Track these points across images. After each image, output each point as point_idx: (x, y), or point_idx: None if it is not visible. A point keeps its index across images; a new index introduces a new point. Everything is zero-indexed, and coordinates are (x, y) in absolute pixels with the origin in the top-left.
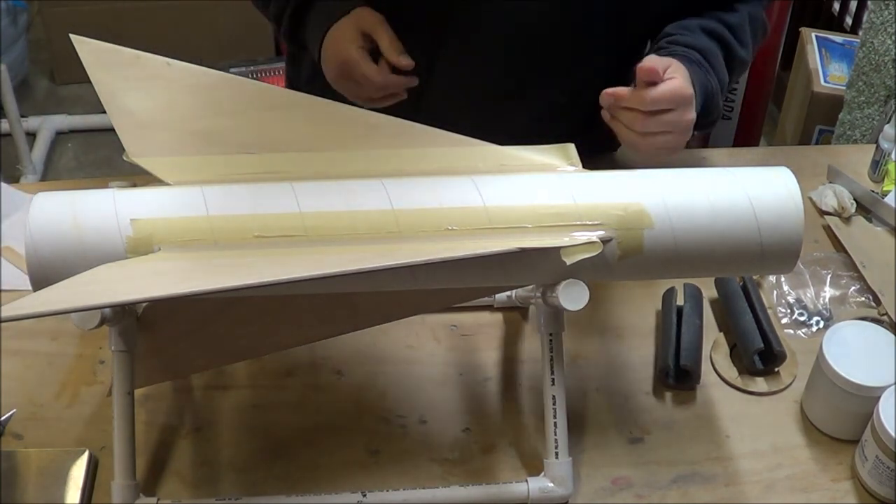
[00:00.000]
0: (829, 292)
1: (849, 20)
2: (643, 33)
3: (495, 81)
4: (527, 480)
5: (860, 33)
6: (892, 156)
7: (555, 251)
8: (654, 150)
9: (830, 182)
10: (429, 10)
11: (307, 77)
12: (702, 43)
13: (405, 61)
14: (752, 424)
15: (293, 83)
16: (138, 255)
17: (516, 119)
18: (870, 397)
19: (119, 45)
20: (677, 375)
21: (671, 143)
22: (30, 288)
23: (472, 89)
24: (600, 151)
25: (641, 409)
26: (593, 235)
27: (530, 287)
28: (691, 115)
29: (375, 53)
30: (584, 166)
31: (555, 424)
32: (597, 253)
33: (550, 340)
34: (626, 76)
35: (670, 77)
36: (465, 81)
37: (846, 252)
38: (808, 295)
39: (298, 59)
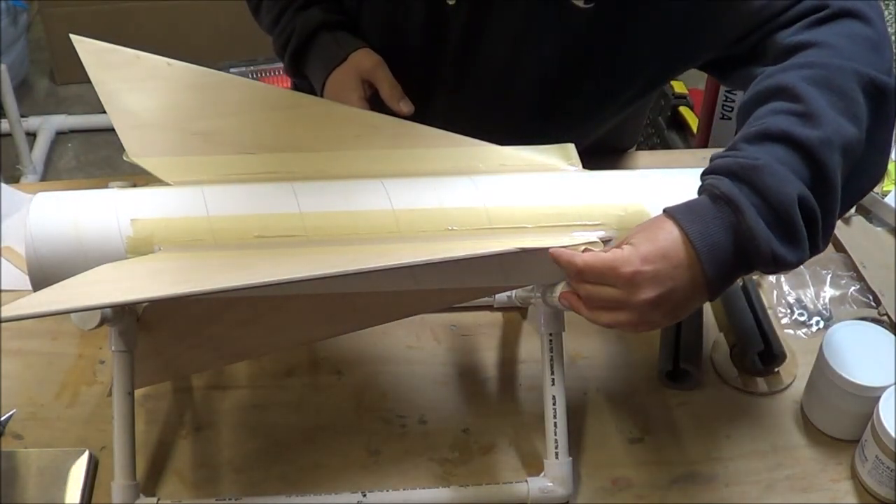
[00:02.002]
0: (829, 292)
1: None
2: (644, 78)
3: (491, 125)
4: (527, 480)
5: None
6: (893, 156)
7: None
8: (605, 324)
9: None
10: (423, 55)
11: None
12: (744, 159)
13: (406, 108)
14: (752, 424)
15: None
16: (138, 255)
17: None
18: (870, 397)
19: (119, 45)
20: (677, 375)
21: (623, 320)
22: (30, 288)
23: (466, 131)
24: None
25: (641, 409)
26: (593, 235)
27: (530, 287)
28: (643, 295)
29: (378, 97)
30: (584, 166)
31: (555, 424)
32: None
33: (550, 340)
34: (628, 111)
35: (617, 245)
36: (460, 124)
37: (846, 252)
38: (808, 295)
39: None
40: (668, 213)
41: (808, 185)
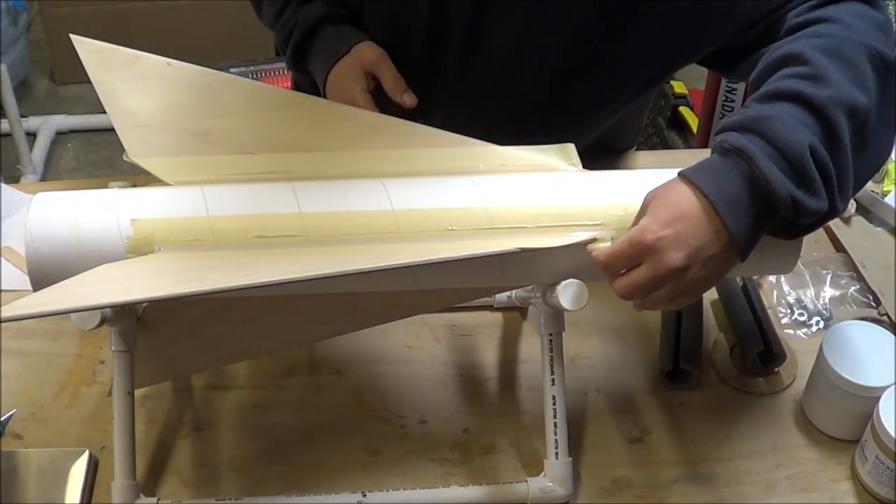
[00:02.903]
0: (829, 292)
1: None
2: (647, 72)
3: (493, 119)
4: (527, 480)
5: None
6: (892, 156)
7: (555, 251)
8: (655, 308)
9: None
10: (425, 44)
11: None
12: (752, 113)
13: (409, 100)
14: (752, 424)
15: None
16: (138, 255)
17: None
18: (870, 397)
19: (119, 45)
20: (677, 375)
21: (663, 297)
22: (30, 288)
23: (467, 125)
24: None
25: (641, 409)
26: (593, 235)
27: (530, 287)
28: (671, 260)
29: (381, 90)
30: (584, 166)
31: (555, 424)
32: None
33: (550, 340)
34: (629, 108)
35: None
36: (462, 118)
37: (846, 252)
38: (808, 295)
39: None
40: (680, 175)
41: (819, 140)
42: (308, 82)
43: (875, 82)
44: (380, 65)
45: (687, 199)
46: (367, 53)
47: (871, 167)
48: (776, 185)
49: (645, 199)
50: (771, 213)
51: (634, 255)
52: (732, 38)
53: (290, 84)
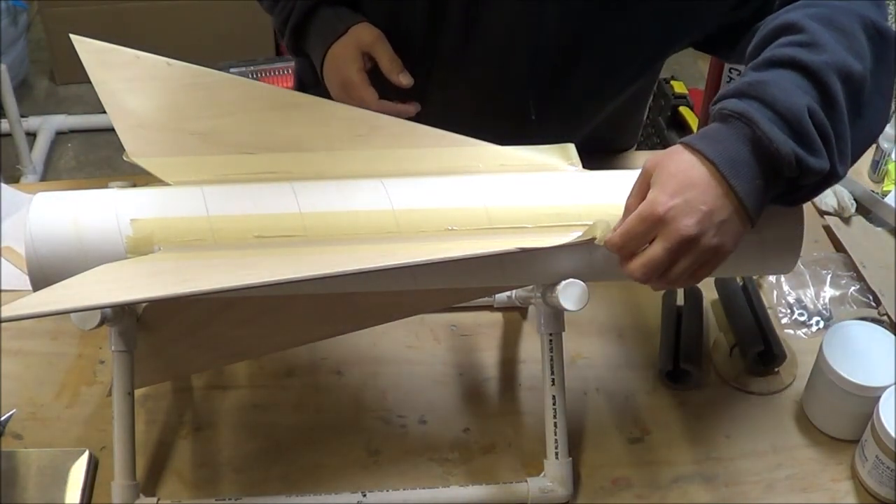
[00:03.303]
0: (829, 292)
1: None
2: (644, 53)
3: (490, 103)
4: (527, 480)
5: None
6: (892, 156)
7: (555, 251)
8: (676, 286)
9: None
10: (423, 25)
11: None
12: (750, 79)
13: (405, 80)
14: (752, 424)
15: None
16: (138, 255)
17: (513, 139)
18: (870, 397)
19: (119, 45)
20: (677, 375)
21: (683, 271)
22: (30, 288)
23: (465, 107)
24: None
25: (641, 409)
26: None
27: (530, 287)
28: (684, 229)
29: (378, 70)
30: (584, 166)
31: (555, 424)
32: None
33: (550, 340)
34: (633, 89)
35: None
36: (459, 102)
37: (846, 252)
38: (808, 295)
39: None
40: (682, 143)
41: (817, 104)
42: (309, 68)
43: (870, 51)
44: (377, 45)
45: (692, 166)
46: (364, 34)
47: (868, 136)
48: (779, 145)
49: (645, 166)
50: (775, 173)
51: (647, 229)
52: (730, 12)
53: (290, 84)
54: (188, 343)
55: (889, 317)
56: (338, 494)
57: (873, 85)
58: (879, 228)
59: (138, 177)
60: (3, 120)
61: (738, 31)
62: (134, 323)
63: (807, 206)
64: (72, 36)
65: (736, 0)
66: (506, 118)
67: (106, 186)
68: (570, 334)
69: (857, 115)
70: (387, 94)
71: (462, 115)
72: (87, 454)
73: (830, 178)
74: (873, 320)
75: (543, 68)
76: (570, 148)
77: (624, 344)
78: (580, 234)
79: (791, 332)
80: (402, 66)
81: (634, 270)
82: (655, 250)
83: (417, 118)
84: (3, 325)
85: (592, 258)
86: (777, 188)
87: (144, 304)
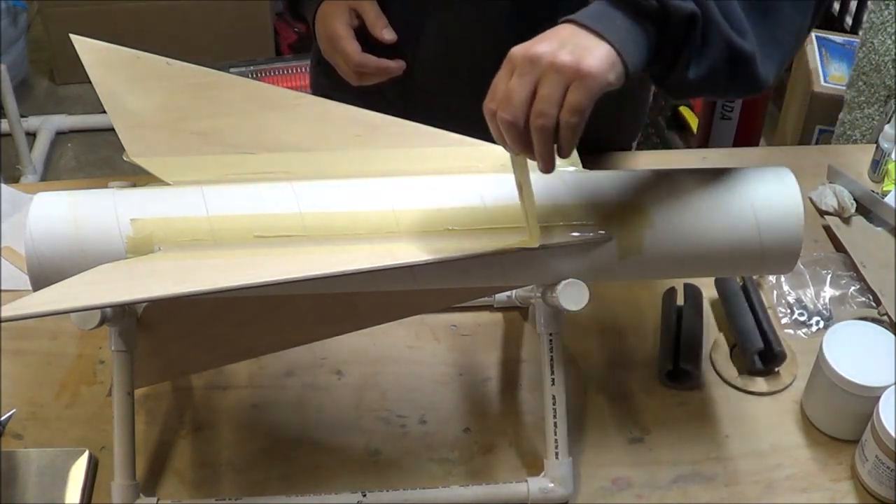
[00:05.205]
0: (829, 292)
1: (849, 20)
2: None
3: (482, 52)
4: (527, 480)
5: (860, 33)
6: (892, 156)
7: (555, 251)
8: (546, 118)
9: (830, 182)
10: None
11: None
12: None
13: (388, 36)
14: (752, 424)
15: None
16: (138, 255)
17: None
18: (870, 397)
19: (119, 45)
20: (677, 375)
21: (551, 94)
22: (30, 288)
23: (459, 59)
24: (600, 151)
25: (641, 409)
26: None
27: (530, 287)
28: (537, 48)
29: (363, 30)
30: (584, 166)
31: (555, 424)
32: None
33: (550, 340)
34: None
35: None
36: (452, 52)
37: (846, 252)
38: (808, 295)
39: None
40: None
41: None
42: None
43: None
44: (363, 2)
45: (556, 28)
46: None
47: (774, 32)
48: None
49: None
50: (637, 13)
51: (506, 73)
52: None
53: (290, 84)
54: (188, 343)
55: (889, 317)
56: (338, 494)
57: None
58: (879, 228)
59: (138, 177)
60: (3, 120)
61: None
62: (134, 323)
63: (807, 206)
64: (72, 36)
65: None
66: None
67: (106, 186)
68: (570, 334)
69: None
70: (373, 50)
71: (449, 93)
72: (87, 454)
73: (709, 27)
74: (873, 320)
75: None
76: None
77: (624, 344)
78: (580, 234)
79: (791, 332)
80: (386, 23)
81: (497, 111)
82: (511, 81)
83: (409, 82)
84: (3, 325)
85: (592, 258)
86: (648, 35)
87: (144, 304)
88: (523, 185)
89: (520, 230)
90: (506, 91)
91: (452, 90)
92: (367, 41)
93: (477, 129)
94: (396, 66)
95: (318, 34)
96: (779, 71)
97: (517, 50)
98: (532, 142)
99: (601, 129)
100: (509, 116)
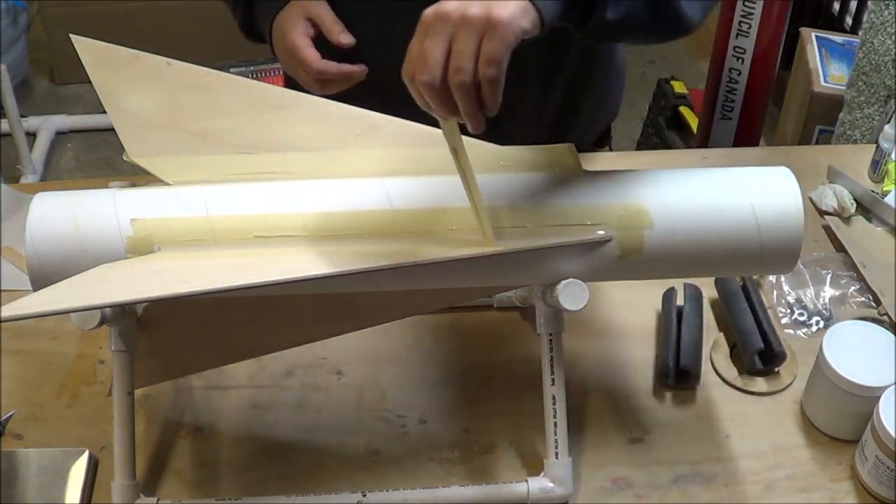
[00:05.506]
0: (829, 292)
1: (849, 20)
2: None
3: None
4: (527, 480)
5: (860, 33)
6: (892, 156)
7: (555, 251)
8: (463, 73)
9: (830, 182)
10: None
11: None
12: None
13: (346, 39)
14: (752, 424)
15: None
16: (138, 255)
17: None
18: (870, 397)
19: (119, 45)
20: (677, 375)
21: (467, 49)
22: (30, 288)
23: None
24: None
25: (641, 409)
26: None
27: (530, 287)
28: (446, 6)
29: (321, 38)
30: (584, 166)
31: (555, 424)
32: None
33: (550, 340)
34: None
35: None
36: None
37: (846, 252)
38: (808, 295)
39: None
40: None
41: None
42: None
43: None
44: (318, 9)
45: None
46: (306, 1)
47: None
48: None
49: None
50: None
51: (420, 35)
52: None
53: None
54: (188, 343)
55: (889, 317)
56: (338, 494)
57: None
58: (879, 228)
59: (138, 177)
60: (3, 120)
61: None
62: (134, 323)
63: (807, 206)
64: (72, 36)
65: None
66: None
67: (106, 186)
68: (570, 334)
69: None
70: (332, 57)
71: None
72: (87, 454)
73: None
74: (873, 320)
75: None
76: (570, 148)
77: (624, 344)
78: (581, 233)
79: (791, 332)
80: (343, 28)
81: (415, 74)
82: (424, 42)
83: (385, 88)
84: (3, 325)
85: (592, 258)
86: None
87: (144, 304)
88: (458, 151)
89: (520, 230)
90: (420, 52)
91: None
92: (331, 53)
93: (463, 126)
94: (359, 70)
95: (276, 48)
96: (705, 11)
97: (428, 11)
98: (455, 102)
99: (582, 97)
100: (427, 77)
